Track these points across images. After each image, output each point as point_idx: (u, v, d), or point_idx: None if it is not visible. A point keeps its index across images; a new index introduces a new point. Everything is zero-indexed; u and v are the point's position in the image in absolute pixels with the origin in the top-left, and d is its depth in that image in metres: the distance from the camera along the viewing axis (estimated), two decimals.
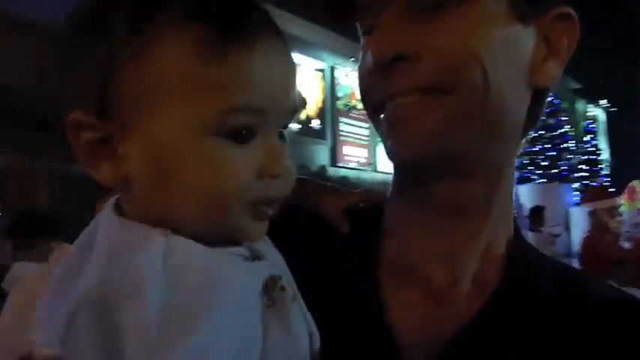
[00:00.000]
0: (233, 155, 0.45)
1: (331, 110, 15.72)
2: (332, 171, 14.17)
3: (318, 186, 0.66)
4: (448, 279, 0.56)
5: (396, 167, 0.59)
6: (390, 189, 0.62)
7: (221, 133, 0.45)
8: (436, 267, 0.56)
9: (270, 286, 0.47)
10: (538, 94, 0.57)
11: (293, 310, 0.49)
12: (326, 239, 0.59)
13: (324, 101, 15.17)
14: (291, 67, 0.49)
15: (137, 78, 0.43)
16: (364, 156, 13.74)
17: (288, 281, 0.50)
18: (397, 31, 0.51)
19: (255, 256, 0.50)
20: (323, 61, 20.47)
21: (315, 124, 16.29)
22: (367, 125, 16.80)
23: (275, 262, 0.52)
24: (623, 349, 0.52)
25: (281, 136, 0.50)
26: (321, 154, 22.32)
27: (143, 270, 0.40)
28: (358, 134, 14.10)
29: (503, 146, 0.56)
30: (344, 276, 0.57)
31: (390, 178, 0.62)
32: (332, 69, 14.39)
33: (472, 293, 0.55)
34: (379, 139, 0.57)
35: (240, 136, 0.45)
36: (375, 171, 13.63)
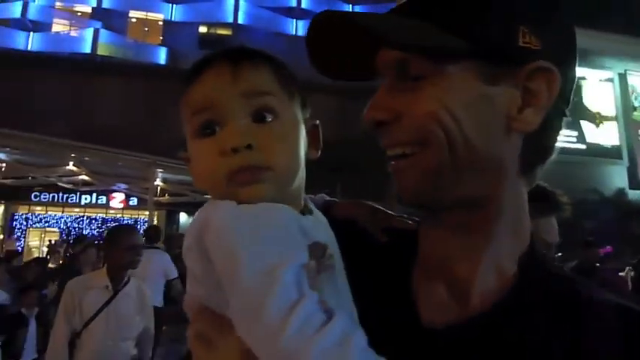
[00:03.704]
0: (203, 146, 0.67)
1: (625, 124, 13.56)
2: (633, 194, 12.08)
3: (365, 205, 0.85)
4: (465, 278, 0.68)
5: None
6: None
7: (199, 134, 0.67)
8: (456, 268, 0.68)
9: (320, 252, 0.62)
10: (530, 136, 0.65)
11: (341, 275, 0.66)
12: (371, 246, 0.75)
13: (616, 115, 13.21)
14: (235, 76, 0.66)
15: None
16: None
17: (336, 253, 0.66)
18: (375, 100, 0.66)
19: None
20: (609, 69, 17.94)
21: (607, 141, 14.29)
22: None
23: (325, 237, 0.67)
24: (617, 347, 0.62)
25: (259, 117, 0.66)
26: (617, 176, 19.22)
27: (219, 213, 0.62)
28: None
29: (488, 182, 0.65)
30: (383, 273, 0.72)
31: None
32: (622, 76, 12.46)
33: (492, 290, 0.66)
34: None
35: (205, 131, 0.67)
36: None
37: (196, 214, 0.65)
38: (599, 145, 21.28)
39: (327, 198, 0.87)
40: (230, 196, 0.64)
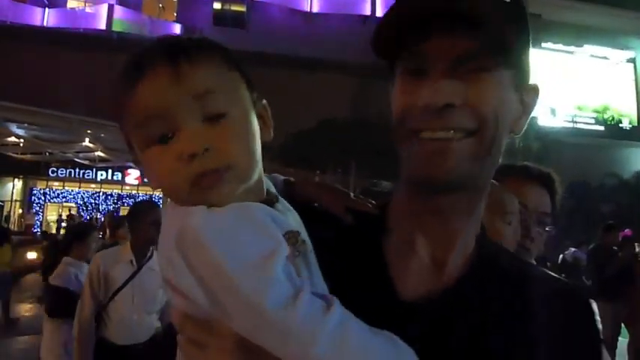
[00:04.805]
0: (158, 153, 0.65)
1: None
2: None
3: (327, 187, 0.90)
4: (441, 256, 0.77)
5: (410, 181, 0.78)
6: (395, 194, 0.84)
7: (151, 143, 0.65)
8: (434, 248, 0.77)
9: (293, 239, 0.65)
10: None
11: (312, 257, 0.69)
12: (336, 227, 0.80)
13: (637, 95, 12.96)
14: (178, 81, 0.64)
15: None
16: None
17: (305, 238, 0.69)
18: (447, 84, 0.69)
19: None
20: (632, 49, 17.57)
21: (626, 123, 14.03)
22: None
23: (294, 223, 0.70)
24: (554, 316, 0.76)
25: (211, 118, 0.65)
26: (636, 159, 18.90)
27: (194, 221, 0.62)
28: None
29: (493, 170, 0.78)
30: (355, 252, 0.78)
31: None
32: None
33: (457, 266, 0.77)
34: None
35: (160, 138, 0.65)
36: None
37: (166, 222, 0.67)
38: (618, 127, 20.82)
39: (281, 177, 0.86)
40: (195, 198, 0.64)
